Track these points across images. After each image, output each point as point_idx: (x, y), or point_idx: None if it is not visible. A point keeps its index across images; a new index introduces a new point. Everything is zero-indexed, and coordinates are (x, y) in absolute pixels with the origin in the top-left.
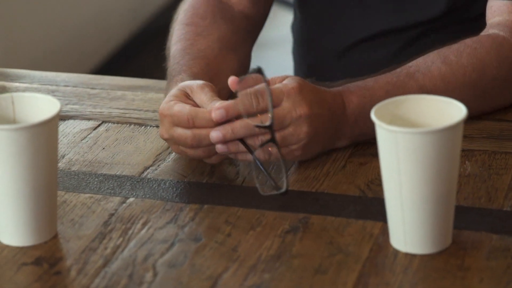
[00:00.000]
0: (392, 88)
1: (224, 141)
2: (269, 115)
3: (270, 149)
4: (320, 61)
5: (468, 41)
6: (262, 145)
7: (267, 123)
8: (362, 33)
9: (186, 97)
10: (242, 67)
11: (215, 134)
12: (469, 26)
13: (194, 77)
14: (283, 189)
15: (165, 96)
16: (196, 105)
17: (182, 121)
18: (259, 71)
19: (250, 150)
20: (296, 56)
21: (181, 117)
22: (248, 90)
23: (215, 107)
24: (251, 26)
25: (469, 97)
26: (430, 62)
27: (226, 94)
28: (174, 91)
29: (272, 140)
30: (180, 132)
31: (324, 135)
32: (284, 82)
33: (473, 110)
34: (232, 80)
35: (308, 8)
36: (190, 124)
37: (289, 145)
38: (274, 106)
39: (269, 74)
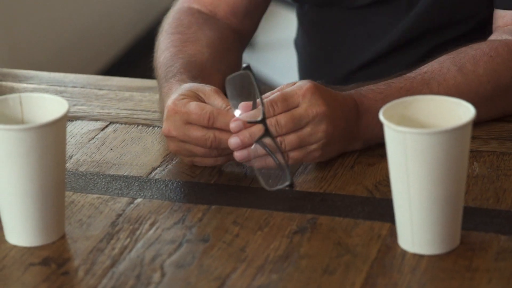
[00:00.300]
0: (406, 94)
1: (243, 147)
2: (260, 108)
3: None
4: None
5: (485, 48)
6: (258, 140)
7: (259, 118)
8: (368, 53)
9: (197, 98)
10: (230, 72)
11: (233, 141)
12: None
13: (193, 78)
14: (288, 182)
15: (161, 98)
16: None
17: (202, 120)
18: (247, 68)
19: (269, 151)
20: (303, 71)
21: (202, 115)
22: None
23: (233, 119)
24: (238, 38)
25: (481, 107)
26: (446, 69)
27: None
28: (184, 90)
29: (267, 133)
30: (199, 132)
31: (341, 135)
32: (298, 84)
33: (483, 117)
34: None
35: (312, 29)
36: (210, 124)
37: (308, 145)
38: (291, 108)
39: (273, 74)
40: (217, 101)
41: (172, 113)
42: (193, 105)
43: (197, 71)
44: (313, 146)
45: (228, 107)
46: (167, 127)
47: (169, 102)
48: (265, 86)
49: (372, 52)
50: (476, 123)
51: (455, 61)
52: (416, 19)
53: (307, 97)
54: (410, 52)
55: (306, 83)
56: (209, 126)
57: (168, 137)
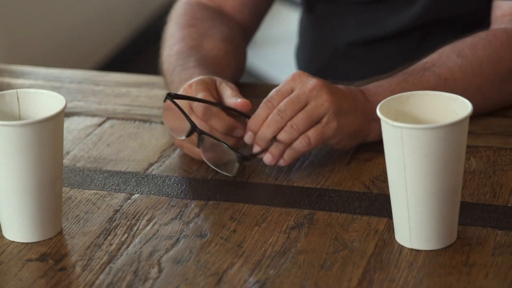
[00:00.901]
0: (408, 80)
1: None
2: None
3: None
4: (329, 61)
5: (482, 34)
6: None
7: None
8: (373, 30)
9: (214, 85)
10: (241, 70)
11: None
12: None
13: (210, 73)
14: (238, 159)
15: (175, 86)
16: (218, 97)
17: (199, 112)
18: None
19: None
20: (301, 58)
21: (207, 108)
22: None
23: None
24: (244, 35)
25: (487, 86)
26: (445, 56)
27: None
28: (204, 77)
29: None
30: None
31: (350, 106)
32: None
33: (492, 100)
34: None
35: (317, 7)
36: (205, 119)
37: (319, 119)
38: (286, 95)
39: (272, 71)
40: (227, 91)
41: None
42: (201, 95)
43: (213, 66)
44: (325, 118)
45: (235, 94)
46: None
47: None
48: (262, 82)
49: (382, 24)
50: (473, 116)
51: (454, 48)
52: (417, 13)
53: (297, 80)
54: (410, 47)
55: (293, 73)
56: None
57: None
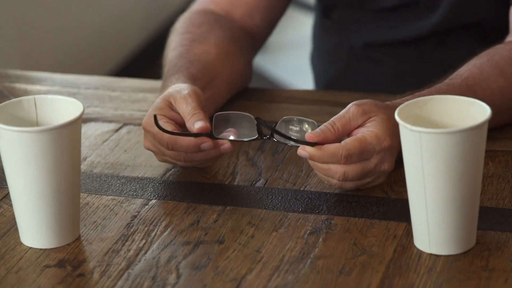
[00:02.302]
0: None
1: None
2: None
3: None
4: (346, 63)
5: None
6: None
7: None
8: (391, 35)
9: (169, 108)
10: (241, 75)
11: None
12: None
13: (191, 77)
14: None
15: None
16: (179, 116)
17: (163, 145)
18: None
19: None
20: (317, 63)
21: (162, 140)
22: None
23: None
24: (250, 39)
25: None
26: (486, 73)
27: (220, 98)
28: (158, 102)
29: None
30: (171, 152)
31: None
32: (370, 126)
33: None
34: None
35: (335, 13)
36: (170, 148)
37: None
38: (364, 159)
39: (284, 76)
40: (184, 108)
41: (145, 131)
42: (155, 131)
43: (199, 70)
44: (381, 178)
45: (193, 112)
46: (144, 142)
47: (144, 119)
48: (275, 87)
49: (399, 30)
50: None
51: (493, 64)
52: (436, 22)
53: (381, 153)
54: (428, 50)
55: (371, 116)
56: (170, 149)
57: (149, 150)
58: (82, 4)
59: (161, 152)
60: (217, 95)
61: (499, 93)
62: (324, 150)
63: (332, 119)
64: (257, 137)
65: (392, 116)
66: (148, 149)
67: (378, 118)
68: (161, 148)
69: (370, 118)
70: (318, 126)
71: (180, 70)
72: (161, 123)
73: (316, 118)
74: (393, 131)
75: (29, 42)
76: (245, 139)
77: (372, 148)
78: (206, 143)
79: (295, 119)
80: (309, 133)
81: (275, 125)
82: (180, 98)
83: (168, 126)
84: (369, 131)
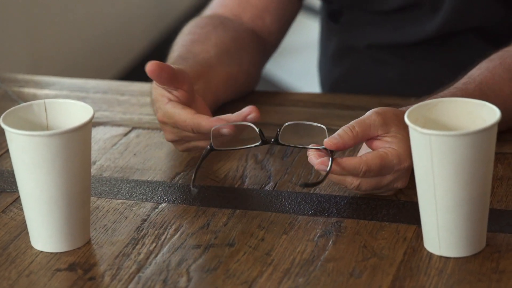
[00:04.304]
0: None
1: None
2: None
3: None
4: (351, 64)
5: None
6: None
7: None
8: (396, 37)
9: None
10: (244, 73)
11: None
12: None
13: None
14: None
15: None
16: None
17: (188, 130)
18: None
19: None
20: (323, 67)
21: (186, 126)
22: None
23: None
24: (261, 42)
25: None
26: (499, 77)
27: (220, 92)
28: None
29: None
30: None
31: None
32: (392, 143)
33: None
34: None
35: (342, 17)
36: (195, 131)
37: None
38: (382, 174)
39: (291, 79)
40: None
41: (162, 124)
42: (176, 119)
43: (191, 65)
44: (389, 192)
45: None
46: (167, 136)
47: (158, 112)
48: (282, 90)
49: (397, 55)
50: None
51: (505, 68)
52: (439, 24)
53: (399, 172)
54: (433, 52)
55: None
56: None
57: (172, 142)
58: (89, 8)
59: (184, 139)
60: (214, 88)
61: (510, 97)
62: (344, 166)
63: (351, 122)
64: (260, 143)
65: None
66: (171, 140)
67: (400, 135)
68: (184, 134)
69: (390, 132)
70: (328, 130)
71: None
72: (178, 107)
73: (325, 121)
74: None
75: (37, 47)
76: (248, 146)
77: (391, 166)
78: (226, 129)
79: (301, 123)
80: (327, 140)
81: (280, 130)
82: (173, 110)
83: (186, 109)
84: (392, 148)
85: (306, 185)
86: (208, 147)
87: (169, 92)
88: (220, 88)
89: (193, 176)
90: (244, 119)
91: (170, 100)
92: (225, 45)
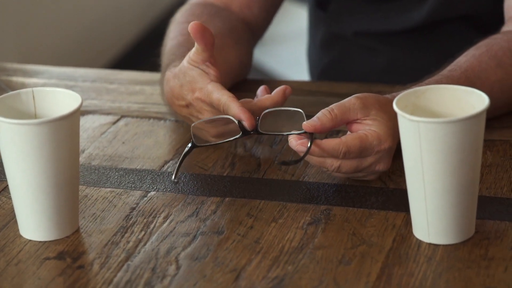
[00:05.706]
0: None
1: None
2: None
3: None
4: (339, 52)
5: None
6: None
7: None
8: (383, 25)
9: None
10: (241, 64)
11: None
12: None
13: None
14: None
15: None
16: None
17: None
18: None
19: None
20: (313, 54)
21: (219, 106)
22: None
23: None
24: (249, 31)
25: None
26: (485, 65)
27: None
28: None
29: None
30: None
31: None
32: (372, 126)
33: None
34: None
35: (330, 5)
36: (223, 112)
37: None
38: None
39: (279, 68)
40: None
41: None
42: (213, 98)
43: None
44: (372, 176)
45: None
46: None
47: (200, 93)
48: (270, 78)
49: (388, 42)
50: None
51: (491, 54)
52: (426, 13)
53: (379, 153)
54: (420, 40)
55: (371, 112)
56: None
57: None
58: None
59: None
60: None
61: (497, 84)
62: (323, 147)
63: (330, 106)
64: (241, 135)
65: (394, 114)
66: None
67: (380, 118)
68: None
69: (370, 115)
70: (307, 115)
71: (178, 58)
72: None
73: (313, 108)
74: (395, 131)
75: (26, 36)
76: (229, 139)
77: (371, 147)
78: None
79: (279, 109)
80: (306, 123)
81: (259, 119)
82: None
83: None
84: (372, 130)
85: (284, 163)
86: (190, 144)
87: (207, 73)
88: (222, 79)
89: (174, 172)
90: (284, 96)
91: (212, 80)
92: (222, 36)
